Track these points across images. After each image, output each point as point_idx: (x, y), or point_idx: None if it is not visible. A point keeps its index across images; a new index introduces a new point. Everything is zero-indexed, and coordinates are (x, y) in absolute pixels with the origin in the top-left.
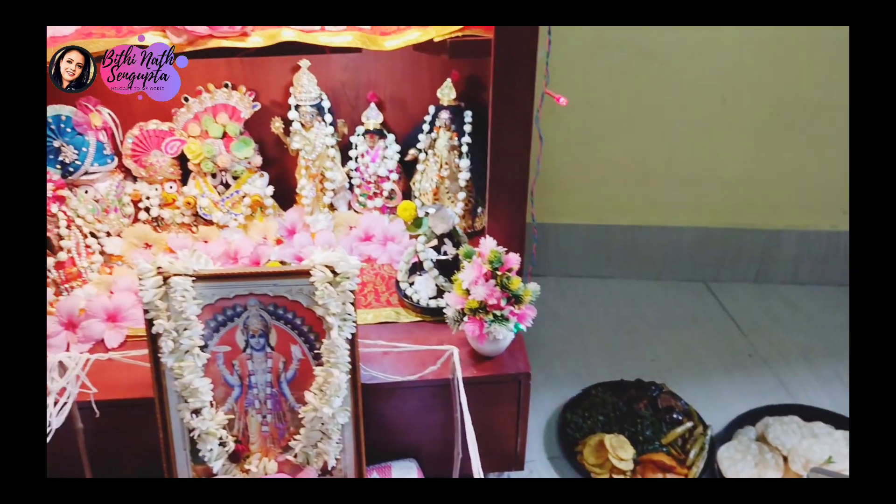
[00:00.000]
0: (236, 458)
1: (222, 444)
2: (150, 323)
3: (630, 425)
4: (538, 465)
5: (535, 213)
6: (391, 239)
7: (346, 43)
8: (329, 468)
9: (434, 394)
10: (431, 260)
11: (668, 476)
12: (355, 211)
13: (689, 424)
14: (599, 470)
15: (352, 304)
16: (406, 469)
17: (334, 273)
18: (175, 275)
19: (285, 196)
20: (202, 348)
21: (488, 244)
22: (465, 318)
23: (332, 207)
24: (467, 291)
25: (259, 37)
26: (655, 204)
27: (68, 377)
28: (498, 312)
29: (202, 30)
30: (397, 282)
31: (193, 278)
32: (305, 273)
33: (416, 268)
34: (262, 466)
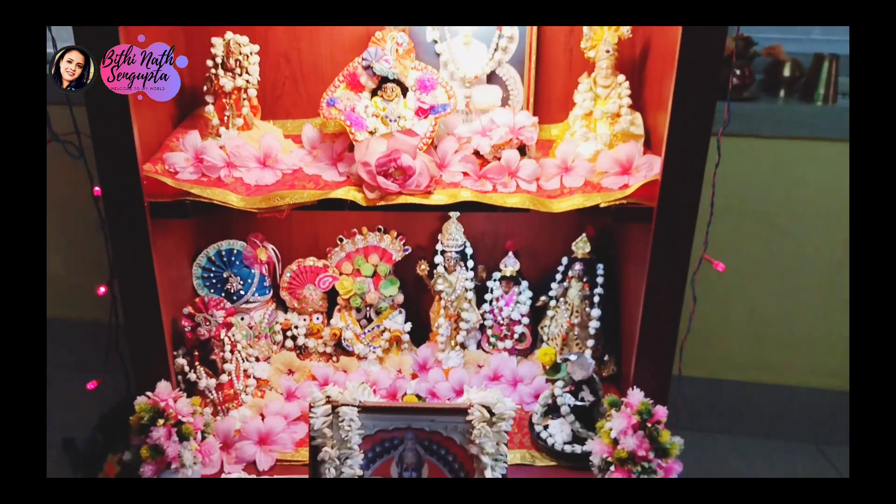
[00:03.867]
0: None
1: None
2: (314, 449)
3: None
4: None
5: (682, 368)
6: (520, 380)
7: (517, 203)
8: None
9: None
10: (569, 405)
11: None
12: (484, 350)
13: None
14: None
15: (505, 444)
16: None
17: (491, 413)
18: (343, 404)
19: (418, 333)
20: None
21: (637, 395)
22: (612, 468)
23: (462, 346)
24: (615, 441)
25: (441, 195)
26: (768, 362)
27: None
28: (646, 464)
29: (393, 187)
30: (531, 423)
31: (359, 409)
32: (463, 411)
33: (550, 411)
34: None
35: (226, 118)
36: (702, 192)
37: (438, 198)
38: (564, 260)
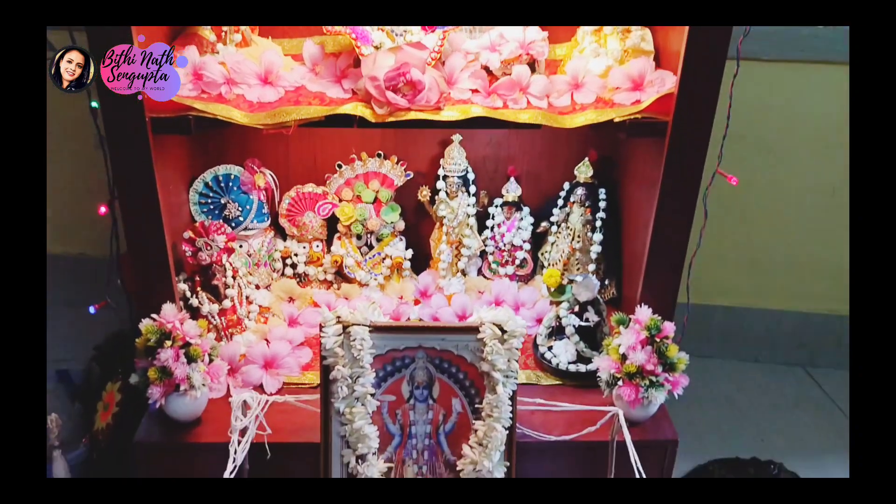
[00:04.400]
0: None
1: None
2: (325, 369)
3: None
4: None
5: (690, 284)
6: (522, 305)
7: (529, 119)
8: None
9: (581, 456)
10: (574, 326)
11: None
12: (485, 277)
13: None
14: None
15: (516, 361)
16: None
17: (502, 330)
18: (354, 324)
19: (418, 261)
20: (371, 396)
21: (645, 312)
22: (620, 383)
23: (463, 273)
24: (623, 356)
25: (452, 111)
26: (759, 287)
27: (250, 417)
28: (654, 378)
29: (402, 102)
30: (535, 345)
31: (370, 328)
32: (474, 330)
33: (554, 333)
34: None
35: (223, 34)
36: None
37: (449, 114)
38: (566, 185)
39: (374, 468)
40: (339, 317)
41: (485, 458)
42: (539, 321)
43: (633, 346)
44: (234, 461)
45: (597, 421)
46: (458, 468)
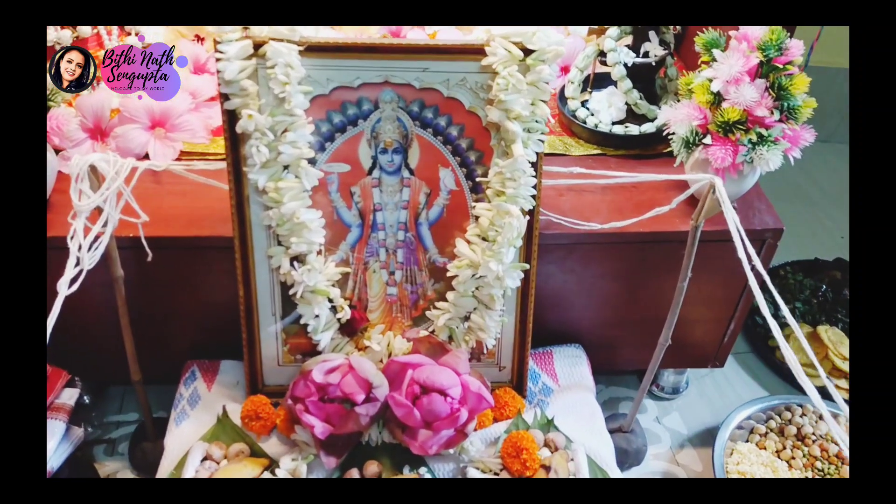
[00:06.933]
0: (351, 330)
1: (333, 309)
2: (230, 116)
3: (846, 316)
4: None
5: None
6: None
7: None
8: (485, 350)
9: (630, 255)
10: (625, 64)
11: None
12: None
13: None
14: (813, 371)
15: (545, 103)
16: (572, 357)
17: (525, 52)
18: (273, 39)
19: None
20: (310, 162)
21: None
22: (706, 139)
23: None
24: (717, 97)
25: None
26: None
27: (105, 192)
28: (765, 131)
29: None
30: (562, 98)
31: (301, 47)
32: (477, 51)
33: (592, 81)
34: (387, 344)
35: None
36: None
37: None
38: None
39: (319, 275)
40: (246, 27)
41: (491, 259)
42: (566, 70)
43: (737, 79)
44: (77, 262)
45: (662, 201)
46: (448, 274)
